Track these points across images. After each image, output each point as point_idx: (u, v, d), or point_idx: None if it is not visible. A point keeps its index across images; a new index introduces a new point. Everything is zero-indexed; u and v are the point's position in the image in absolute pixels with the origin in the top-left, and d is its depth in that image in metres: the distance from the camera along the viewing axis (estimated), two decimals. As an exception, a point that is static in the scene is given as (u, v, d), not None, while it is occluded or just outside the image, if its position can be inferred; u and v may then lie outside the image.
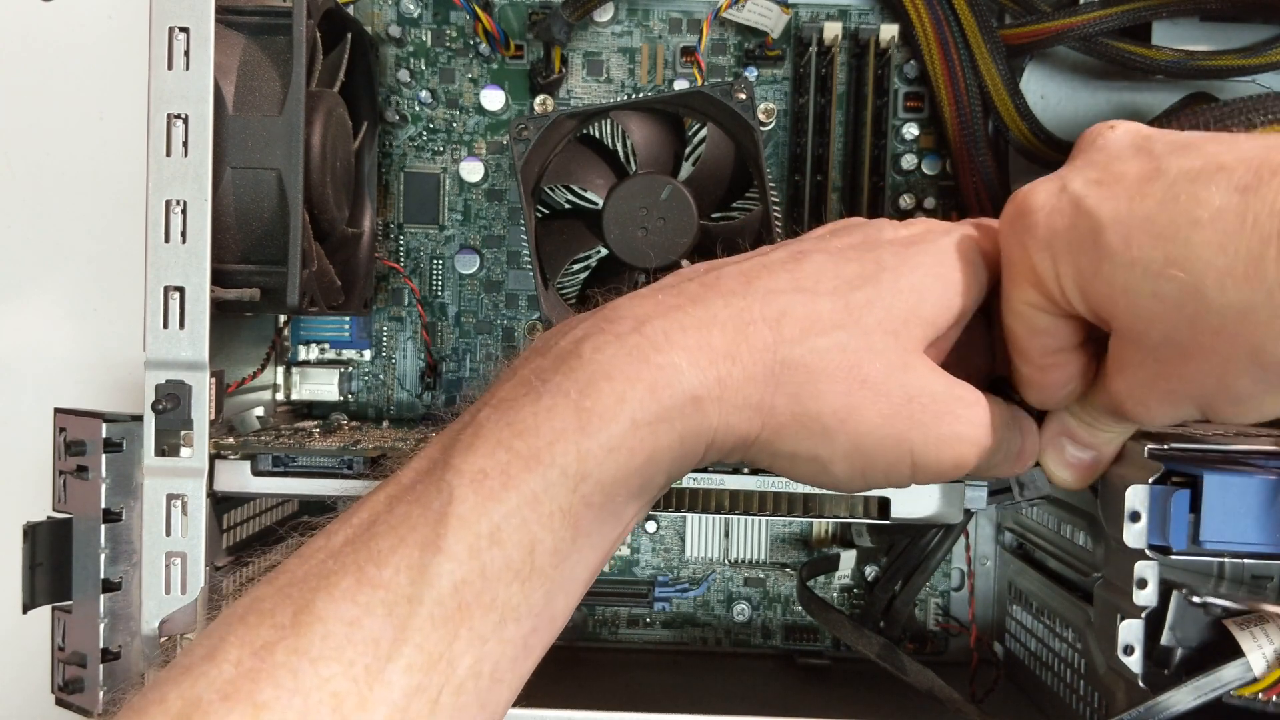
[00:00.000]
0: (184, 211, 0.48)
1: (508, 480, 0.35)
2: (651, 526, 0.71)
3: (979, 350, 0.49)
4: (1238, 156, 0.37)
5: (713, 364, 0.38)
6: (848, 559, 0.66)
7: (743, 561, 0.71)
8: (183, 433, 0.50)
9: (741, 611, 0.71)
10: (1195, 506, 0.50)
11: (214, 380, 0.50)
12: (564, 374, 0.37)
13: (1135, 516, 0.49)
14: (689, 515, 0.68)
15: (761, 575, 0.71)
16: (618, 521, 0.39)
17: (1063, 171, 0.41)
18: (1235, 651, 0.48)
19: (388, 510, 0.36)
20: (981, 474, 0.45)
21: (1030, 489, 0.55)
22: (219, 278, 0.50)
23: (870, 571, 0.69)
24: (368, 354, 0.71)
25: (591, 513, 0.37)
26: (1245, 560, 0.51)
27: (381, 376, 0.71)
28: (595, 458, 0.36)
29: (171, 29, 0.48)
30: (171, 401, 0.49)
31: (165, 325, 0.49)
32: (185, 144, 0.49)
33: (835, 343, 0.40)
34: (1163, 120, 0.62)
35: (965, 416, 0.42)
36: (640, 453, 0.37)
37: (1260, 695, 0.45)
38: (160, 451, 0.50)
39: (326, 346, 0.70)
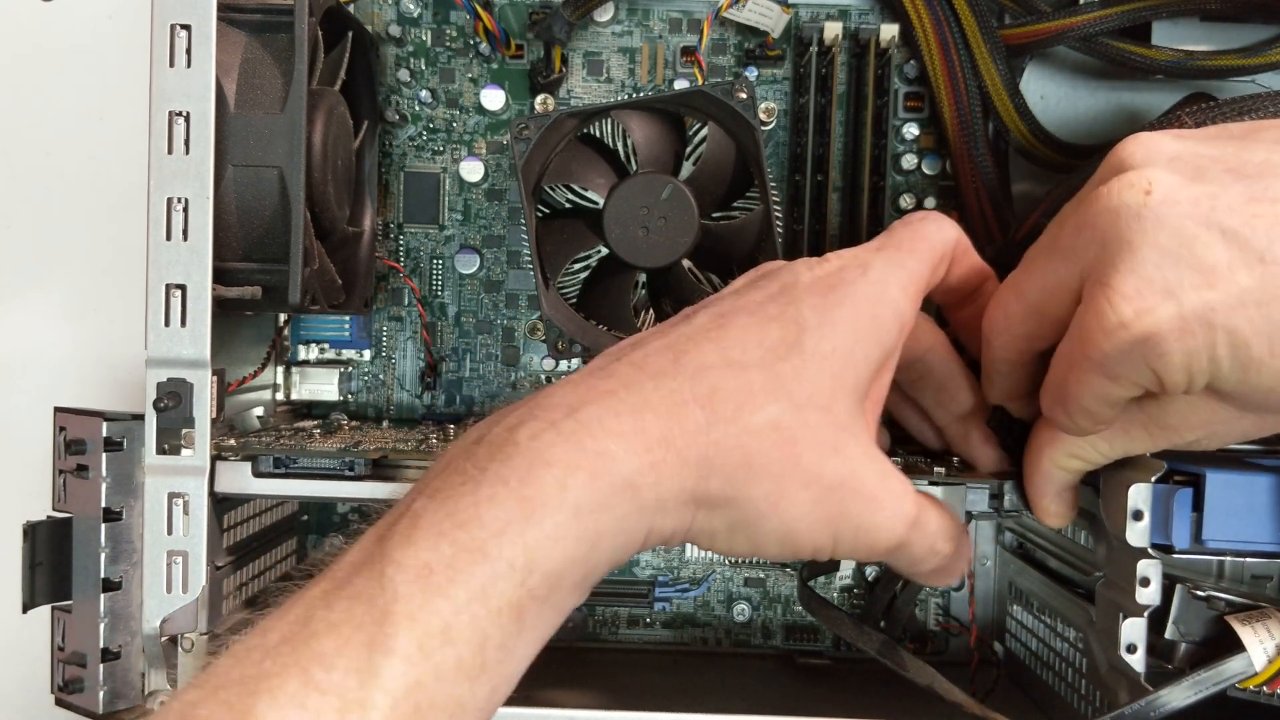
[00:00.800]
0: (185, 209, 0.48)
1: (454, 574, 0.34)
2: (652, 526, 0.71)
3: (956, 385, 0.51)
4: None
5: (647, 450, 0.38)
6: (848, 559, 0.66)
7: (743, 561, 0.71)
8: (184, 431, 0.50)
9: (742, 611, 0.71)
10: (1198, 505, 0.50)
11: (215, 378, 0.50)
12: (501, 461, 0.36)
13: (1138, 515, 0.49)
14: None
15: (762, 575, 0.71)
16: (558, 615, 0.38)
17: (1149, 273, 0.39)
18: (1237, 646, 0.48)
19: (325, 606, 0.34)
20: (904, 569, 0.46)
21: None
22: (220, 276, 0.50)
23: (871, 572, 0.69)
24: (367, 354, 0.71)
25: (536, 605, 0.36)
26: (1247, 559, 0.51)
27: (381, 376, 0.71)
28: (542, 549, 0.35)
29: (173, 26, 0.48)
30: (173, 400, 0.49)
31: (167, 323, 0.49)
32: (187, 141, 0.48)
33: (769, 420, 0.40)
34: (1160, 124, 0.62)
35: (890, 508, 0.42)
36: (585, 541, 0.36)
37: (1265, 688, 0.45)
38: (161, 450, 0.50)
39: (326, 346, 0.70)
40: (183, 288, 0.49)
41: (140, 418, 0.50)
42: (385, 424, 0.68)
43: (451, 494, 0.36)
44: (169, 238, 0.48)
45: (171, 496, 0.50)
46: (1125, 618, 0.50)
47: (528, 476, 0.36)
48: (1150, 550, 0.49)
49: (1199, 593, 0.49)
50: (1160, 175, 0.40)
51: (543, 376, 0.71)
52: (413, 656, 0.33)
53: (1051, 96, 0.70)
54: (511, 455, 0.36)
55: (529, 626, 0.36)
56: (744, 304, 0.43)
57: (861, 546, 0.42)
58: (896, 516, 0.42)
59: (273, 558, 0.65)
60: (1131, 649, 0.50)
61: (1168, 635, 0.50)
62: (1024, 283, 0.46)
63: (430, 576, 0.34)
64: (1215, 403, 0.42)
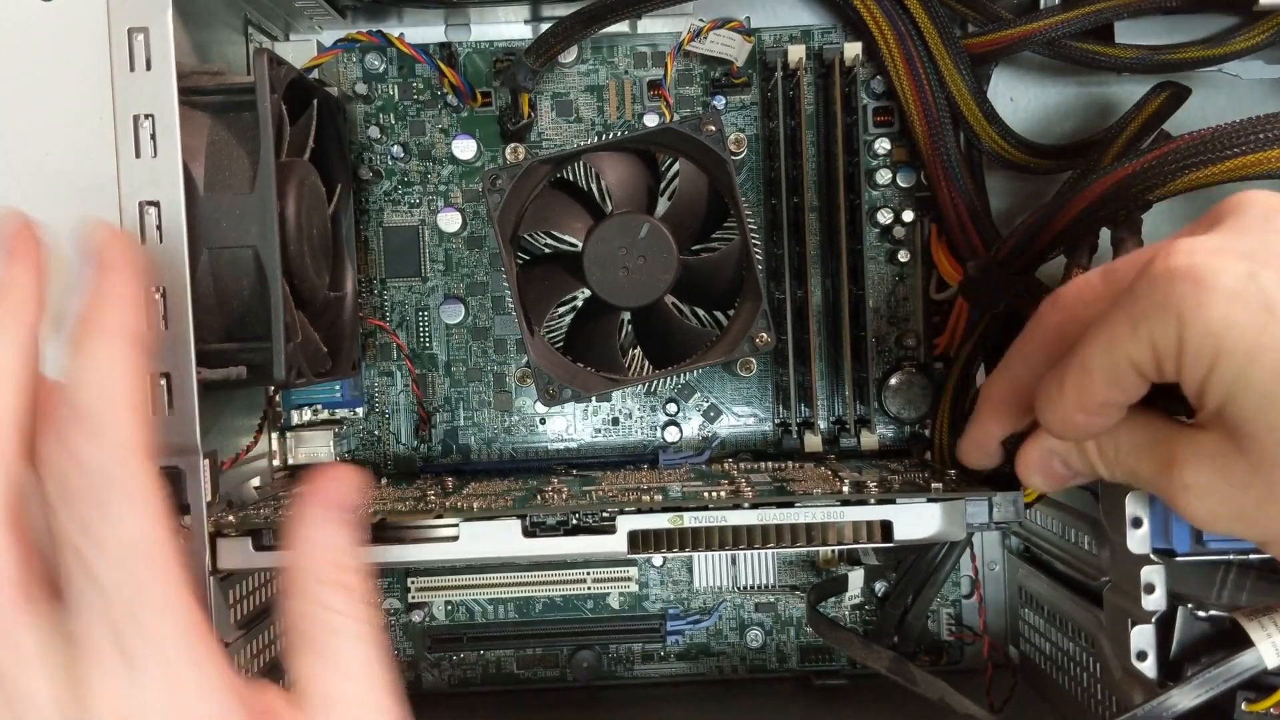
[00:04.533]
0: (163, 297, 0.48)
1: None
2: (659, 560, 0.71)
3: None
4: None
5: None
6: (855, 579, 0.66)
7: (752, 587, 0.71)
8: (184, 518, 0.50)
9: (755, 637, 0.71)
10: (1196, 507, 0.50)
11: (208, 461, 0.50)
12: None
13: (1137, 522, 0.49)
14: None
15: (772, 599, 0.71)
16: None
17: (1240, 246, 0.37)
18: (1246, 642, 0.47)
19: None
20: None
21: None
22: (204, 358, 0.50)
23: (880, 587, 0.69)
24: (361, 411, 0.71)
25: None
26: (1250, 556, 0.51)
27: (376, 432, 0.71)
28: None
29: (136, 117, 0.48)
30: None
31: (154, 412, 0.49)
32: (159, 229, 0.48)
33: None
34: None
35: None
36: None
37: (1273, 710, 0.45)
38: (160, 537, 0.50)
39: (319, 408, 0.70)
40: (168, 376, 0.48)
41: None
42: (384, 481, 0.68)
43: None
44: (149, 328, 0.48)
45: (173, 583, 0.49)
46: (1134, 624, 0.50)
47: None
48: (1152, 556, 0.49)
49: (1201, 614, 0.50)
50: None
51: (537, 420, 0.71)
52: None
53: (1021, 98, 0.70)
54: None
55: None
56: None
57: None
58: None
59: (283, 624, 0.65)
60: (1142, 656, 0.50)
61: (1174, 657, 0.50)
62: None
63: None
64: (1243, 457, 0.38)
